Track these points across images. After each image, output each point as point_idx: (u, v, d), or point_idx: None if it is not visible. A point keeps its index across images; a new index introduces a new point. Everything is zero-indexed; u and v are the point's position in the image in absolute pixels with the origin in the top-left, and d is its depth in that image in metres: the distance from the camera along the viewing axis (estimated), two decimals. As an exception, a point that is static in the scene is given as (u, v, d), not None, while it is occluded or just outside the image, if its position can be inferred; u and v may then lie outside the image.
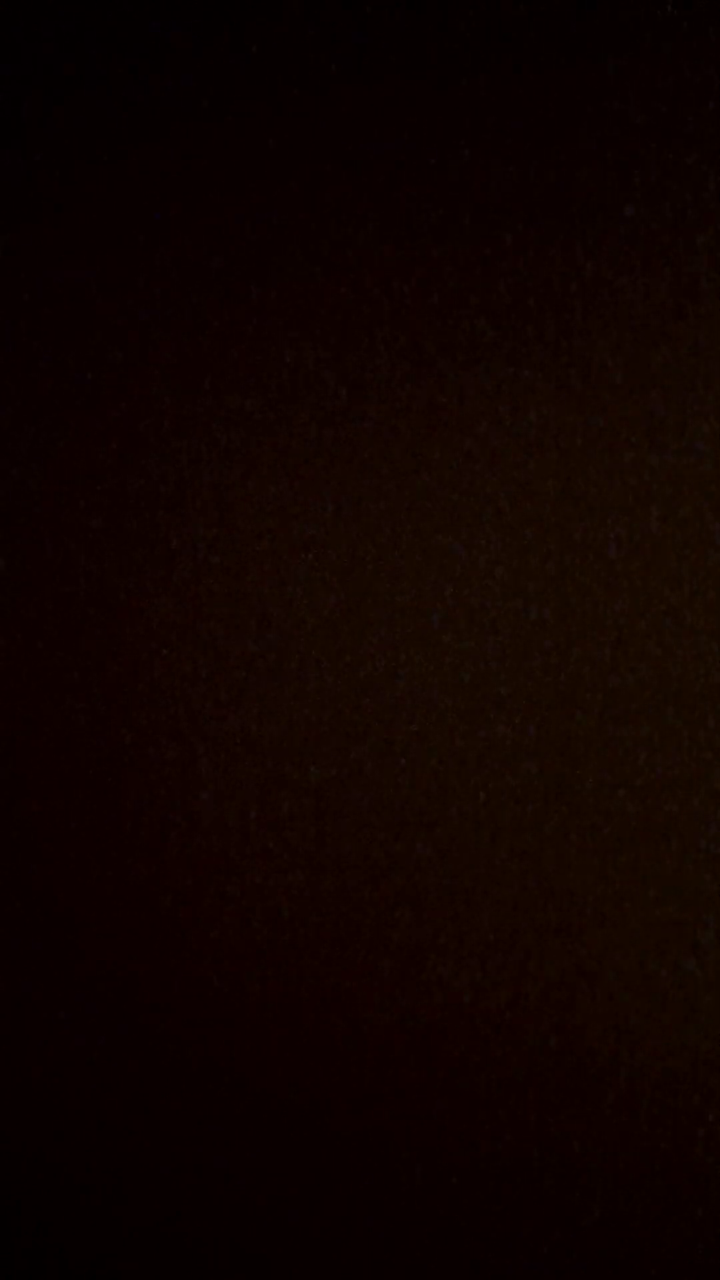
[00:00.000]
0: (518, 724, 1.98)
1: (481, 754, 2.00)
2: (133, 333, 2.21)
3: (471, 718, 2.01)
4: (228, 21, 2.13)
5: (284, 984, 2.13)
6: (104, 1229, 2.28)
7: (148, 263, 2.20)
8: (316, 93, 2.07)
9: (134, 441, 2.21)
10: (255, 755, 2.14)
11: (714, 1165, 1.88)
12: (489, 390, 1.98)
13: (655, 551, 1.90)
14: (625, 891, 1.92)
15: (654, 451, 1.90)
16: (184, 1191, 2.22)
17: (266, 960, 2.14)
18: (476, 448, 1.99)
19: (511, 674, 1.98)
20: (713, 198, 1.86)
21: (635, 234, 1.89)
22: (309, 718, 2.10)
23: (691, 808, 1.88)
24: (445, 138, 2.00)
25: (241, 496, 2.14)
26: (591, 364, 1.92)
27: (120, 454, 2.22)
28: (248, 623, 2.14)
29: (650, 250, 1.89)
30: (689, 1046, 1.89)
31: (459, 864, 2.01)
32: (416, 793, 2.04)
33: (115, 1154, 2.26)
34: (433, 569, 2.02)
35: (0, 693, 2.33)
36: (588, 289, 1.92)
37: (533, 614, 1.97)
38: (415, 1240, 2.06)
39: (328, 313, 2.08)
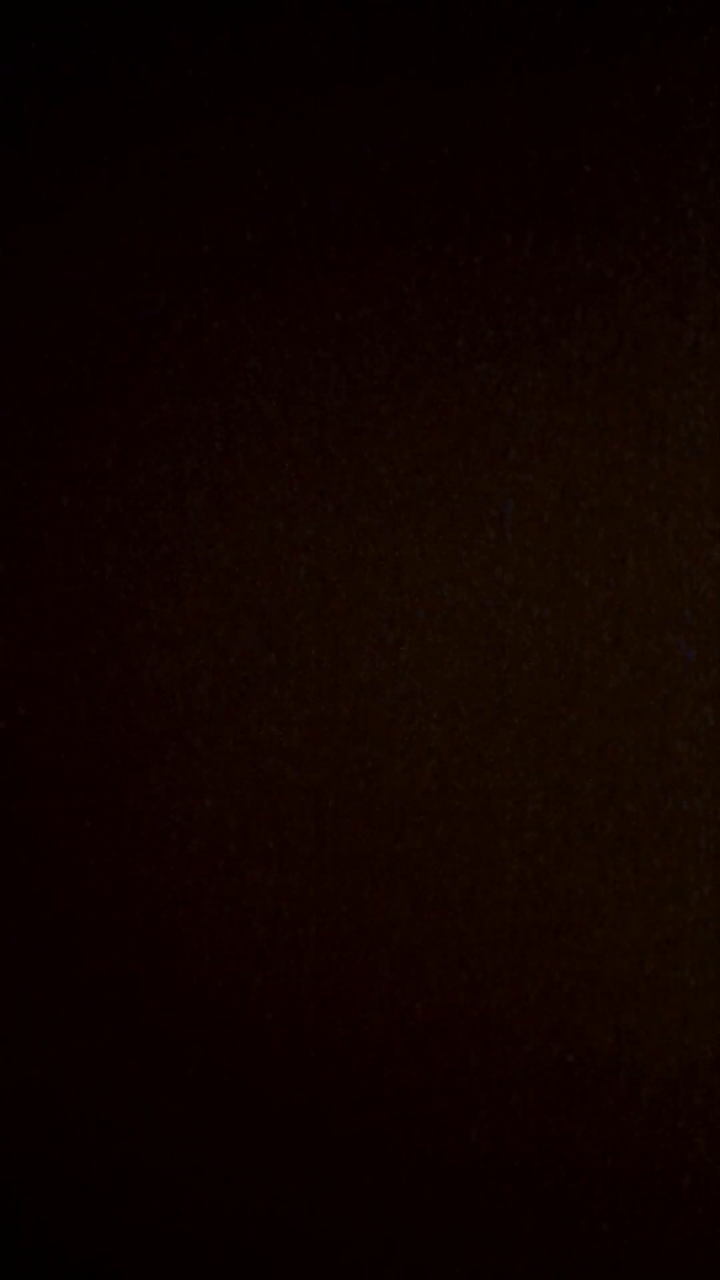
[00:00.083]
0: (518, 724, 1.98)
1: (481, 754, 2.00)
2: (133, 333, 2.21)
3: (471, 717, 2.00)
4: (228, 21, 2.13)
5: (284, 984, 2.13)
6: (104, 1229, 2.28)
7: (148, 263, 2.20)
8: (316, 93, 2.07)
9: (134, 441, 2.21)
10: (255, 755, 2.14)
11: (714, 1165, 1.88)
12: (489, 390, 1.98)
13: (655, 551, 1.90)
14: (625, 891, 1.92)
15: (654, 451, 1.90)
16: (184, 1191, 2.22)
17: (266, 960, 2.14)
18: (476, 448, 1.99)
19: (511, 674, 1.98)
20: (713, 198, 1.86)
21: (635, 234, 1.89)
22: (309, 718, 2.10)
23: (691, 808, 1.88)
24: (445, 137, 1.99)
25: (241, 496, 2.14)
26: (591, 364, 1.92)
27: (120, 454, 2.22)
28: (248, 623, 2.14)
29: (650, 250, 1.88)
30: (689, 1047, 1.89)
31: (459, 864, 2.01)
32: (416, 793, 2.04)
33: (115, 1154, 2.26)
34: (433, 569, 2.02)
35: (0, 693, 2.33)
36: (588, 289, 1.92)
37: (533, 614, 1.97)
38: (415, 1240, 2.06)
39: (328, 312, 2.08)
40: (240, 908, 2.16)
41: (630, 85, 1.88)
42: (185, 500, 2.18)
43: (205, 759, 2.17)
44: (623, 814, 1.92)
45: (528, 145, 1.95)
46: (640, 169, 1.88)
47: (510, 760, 1.98)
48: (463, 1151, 2.02)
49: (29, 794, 2.30)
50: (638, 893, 1.91)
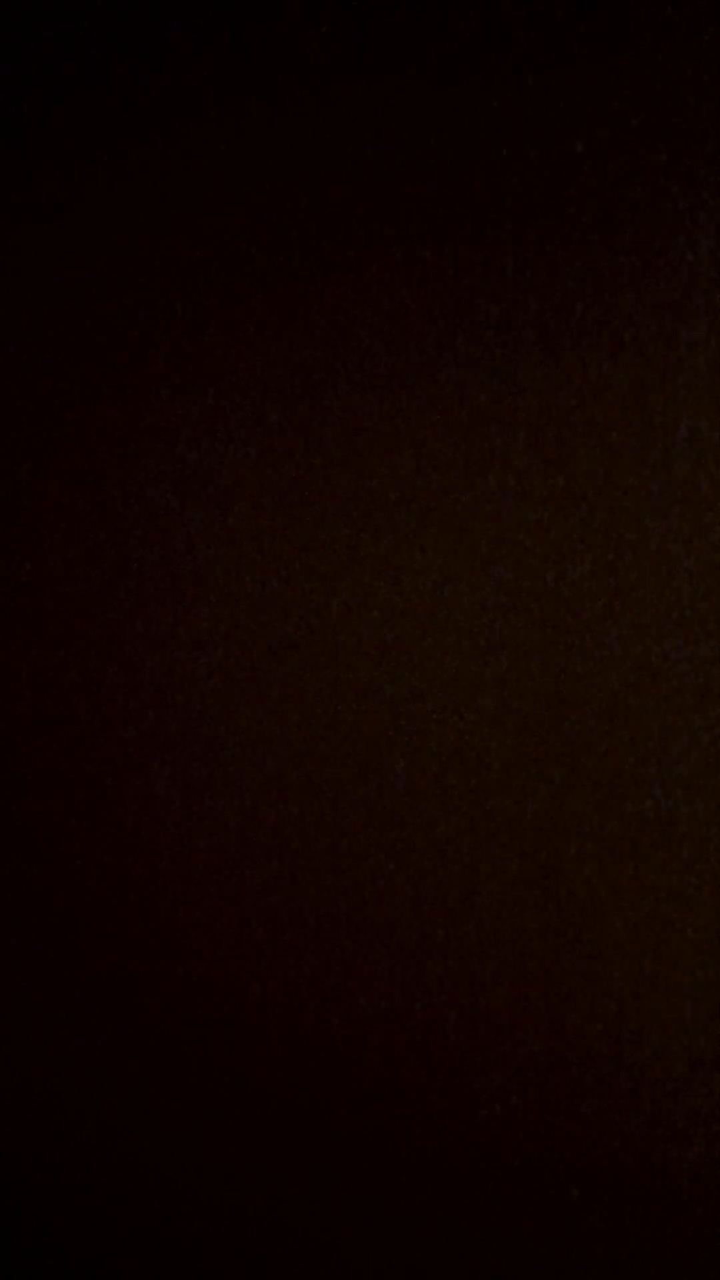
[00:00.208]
0: (518, 724, 1.98)
1: (481, 754, 2.00)
2: (133, 333, 2.21)
3: (472, 717, 2.00)
4: (228, 21, 2.13)
5: (284, 984, 2.13)
6: (104, 1229, 2.28)
7: (148, 263, 2.20)
8: (316, 93, 2.07)
9: (134, 441, 2.21)
10: (255, 755, 2.14)
11: (714, 1166, 1.88)
12: (489, 390, 1.98)
13: (655, 551, 1.90)
14: (625, 891, 1.92)
15: (654, 451, 1.90)
16: (184, 1191, 2.22)
17: (266, 960, 2.14)
18: (476, 448, 1.99)
19: (512, 674, 1.98)
20: (713, 198, 1.86)
21: (635, 234, 1.89)
22: (309, 718, 2.10)
23: (691, 808, 1.88)
24: (445, 137, 1.99)
25: (241, 496, 2.14)
26: (591, 364, 1.92)
27: (120, 454, 2.22)
28: (248, 623, 2.14)
29: (650, 250, 1.88)
30: (689, 1046, 1.89)
31: (459, 864, 2.01)
32: (416, 792, 2.04)
33: (115, 1154, 2.26)
34: (433, 569, 2.02)
35: (0, 693, 2.33)
36: (588, 289, 1.92)
37: (533, 613, 1.97)
38: (415, 1240, 2.06)
39: (328, 312, 2.08)
40: (240, 908, 2.16)
41: (630, 85, 1.88)
42: (185, 500, 2.19)
43: (205, 759, 2.17)
44: (623, 814, 1.92)
45: (528, 145, 1.95)
46: (640, 169, 1.88)
47: (510, 760, 1.98)
48: (463, 1151, 2.02)
49: (29, 794, 2.30)
50: (638, 893, 1.91)
